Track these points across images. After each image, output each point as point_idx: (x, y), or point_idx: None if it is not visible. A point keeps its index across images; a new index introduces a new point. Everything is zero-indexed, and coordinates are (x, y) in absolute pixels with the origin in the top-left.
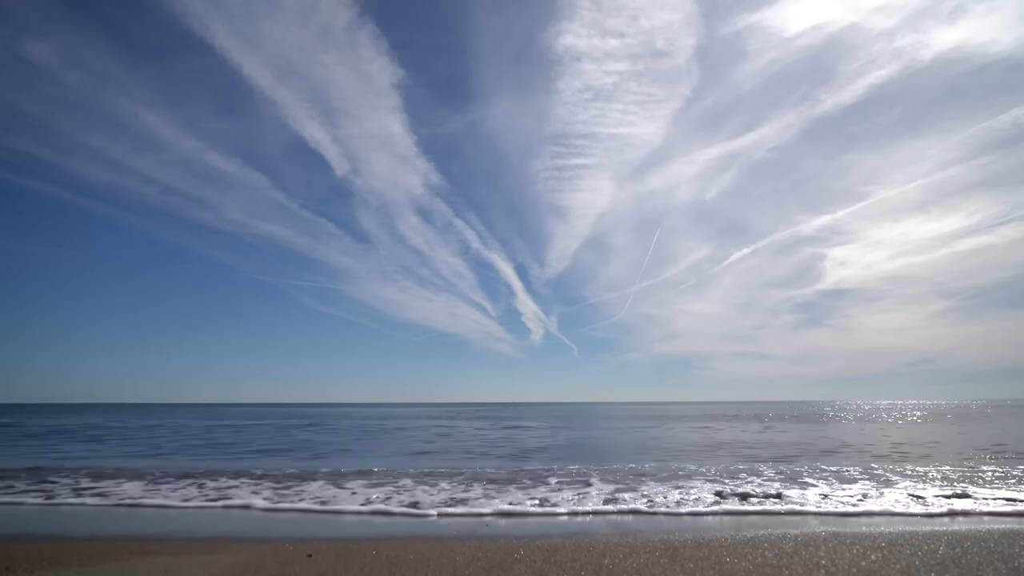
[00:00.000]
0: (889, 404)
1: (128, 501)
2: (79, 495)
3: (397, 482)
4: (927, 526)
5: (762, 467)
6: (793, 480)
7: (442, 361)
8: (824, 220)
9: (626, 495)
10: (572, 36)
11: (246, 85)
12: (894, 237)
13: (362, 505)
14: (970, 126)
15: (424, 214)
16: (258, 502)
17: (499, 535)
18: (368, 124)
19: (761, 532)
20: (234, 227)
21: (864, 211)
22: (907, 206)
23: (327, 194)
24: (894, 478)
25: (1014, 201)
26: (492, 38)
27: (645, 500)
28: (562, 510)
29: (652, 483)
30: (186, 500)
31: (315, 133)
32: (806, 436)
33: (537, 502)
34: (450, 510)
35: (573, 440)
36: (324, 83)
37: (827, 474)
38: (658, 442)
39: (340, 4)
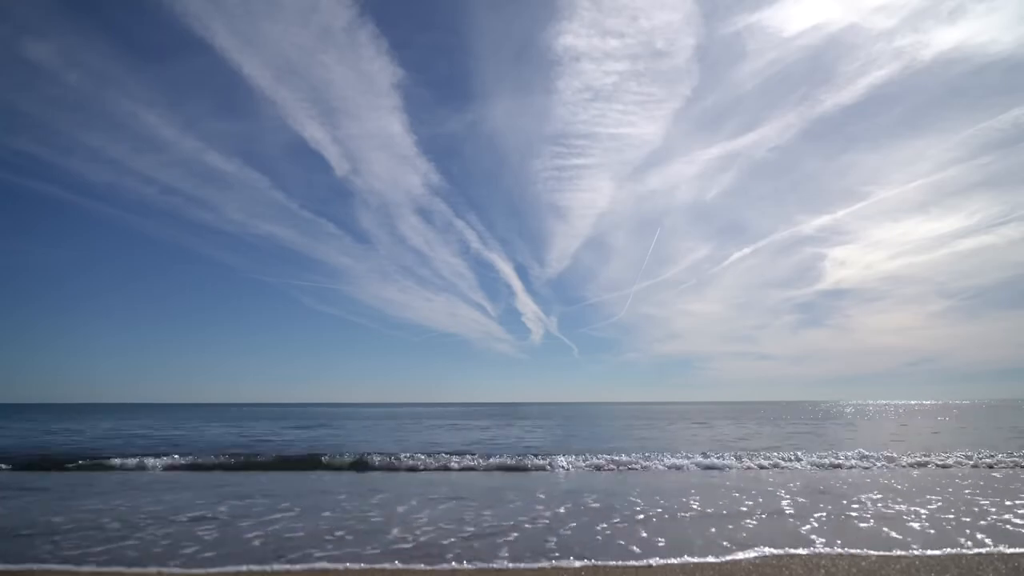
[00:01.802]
0: (891, 403)
1: None
2: None
3: None
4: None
5: None
6: None
7: (442, 361)
8: (824, 220)
9: None
10: (572, 36)
11: (246, 85)
12: (894, 237)
13: None
14: (970, 126)
15: (424, 214)
16: None
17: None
18: (368, 124)
19: None
20: (234, 227)
21: (864, 211)
22: (907, 206)
23: (327, 194)
24: None
25: (1014, 201)
26: (492, 38)
27: None
28: None
29: None
30: None
31: (315, 133)
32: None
33: None
34: None
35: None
36: (324, 83)
37: None
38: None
39: (340, 4)
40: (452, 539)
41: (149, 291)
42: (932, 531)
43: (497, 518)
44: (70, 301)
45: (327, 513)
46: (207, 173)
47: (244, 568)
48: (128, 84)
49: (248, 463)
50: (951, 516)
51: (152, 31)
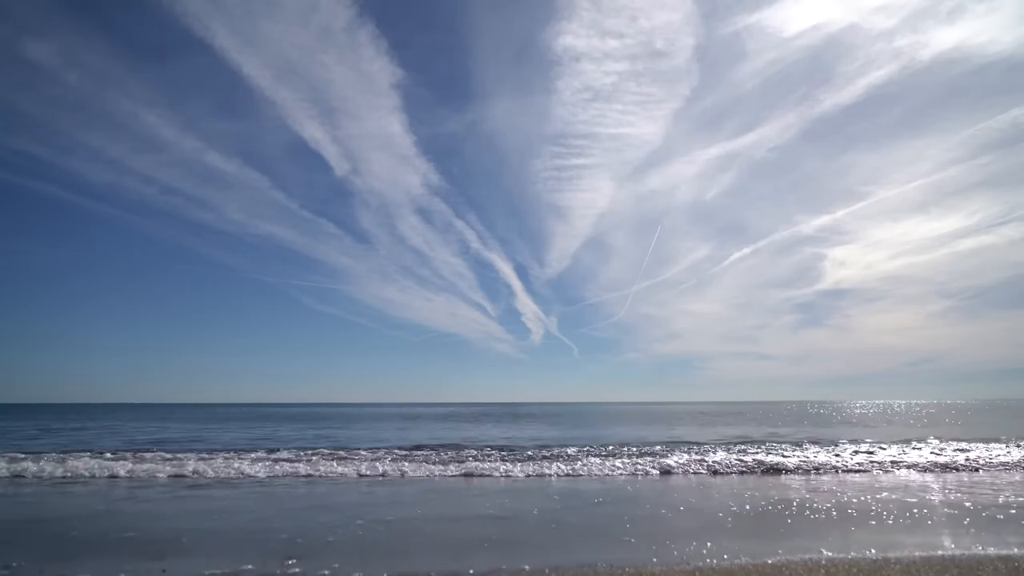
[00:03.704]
0: (891, 403)
1: None
2: None
3: None
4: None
5: None
6: None
7: (442, 361)
8: (824, 220)
9: None
10: (572, 36)
11: (246, 85)
12: (894, 237)
13: None
14: (970, 126)
15: (424, 214)
16: None
17: None
18: (368, 124)
19: None
20: (234, 227)
21: (864, 211)
22: (907, 206)
23: (327, 194)
24: None
25: (1014, 201)
26: (492, 38)
27: None
28: None
29: None
30: None
31: (315, 133)
32: None
33: None
34: None
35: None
36: (324, 83)
37: None
38: None
39: (340, 4)
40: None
41: (149, 291)
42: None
43: None
44: (70, 301)
45: None
46: (207, 173)
47: (249, 567)
48: (128, 84)
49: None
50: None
51: (152, 31)
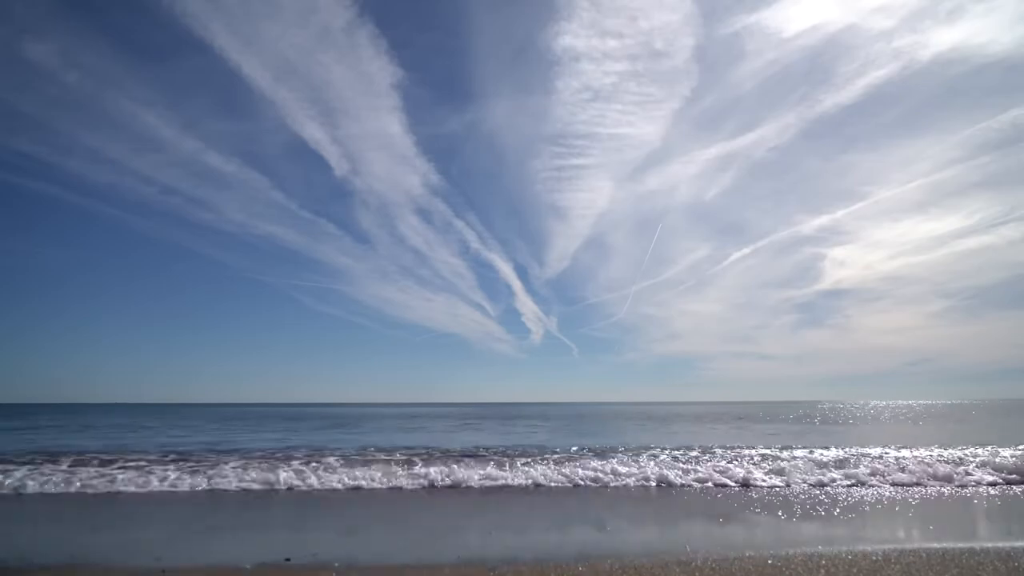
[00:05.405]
0: (890, 403)
1: None
2: None
3: None
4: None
5: None
6: None
7: (442, 361)
8: (823, 220)
9: None
10: (571, 36)
11: (246, 85)
12: (893, 237)
13: None
14: (969, 126)
15: (424, 214)
16: None
17: None
18: (367, 124)
19: None
20: (234, 227)
21: (863, 211)
22: (906, 206)
23: (327, 194)
24: None
25: (1014, 201)
26: (492, 38)
27: None
28: None
29: None
30: None
31: (315, 133)
32: None
33: None
34: None
35: None
36: (323, 83)
37: None
38: None
39: (339, 4)
40: None
41: (149, 291)
42: None
43: None
44: (70, 301)
45: None
46: (207, 173)
47: (248, 566)
48: (128, 84)
49: None
50: None
51: (152, 31)
